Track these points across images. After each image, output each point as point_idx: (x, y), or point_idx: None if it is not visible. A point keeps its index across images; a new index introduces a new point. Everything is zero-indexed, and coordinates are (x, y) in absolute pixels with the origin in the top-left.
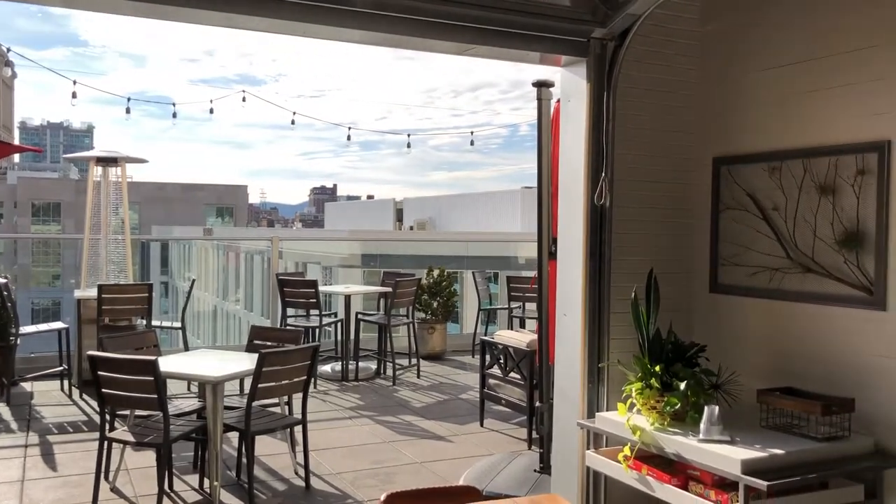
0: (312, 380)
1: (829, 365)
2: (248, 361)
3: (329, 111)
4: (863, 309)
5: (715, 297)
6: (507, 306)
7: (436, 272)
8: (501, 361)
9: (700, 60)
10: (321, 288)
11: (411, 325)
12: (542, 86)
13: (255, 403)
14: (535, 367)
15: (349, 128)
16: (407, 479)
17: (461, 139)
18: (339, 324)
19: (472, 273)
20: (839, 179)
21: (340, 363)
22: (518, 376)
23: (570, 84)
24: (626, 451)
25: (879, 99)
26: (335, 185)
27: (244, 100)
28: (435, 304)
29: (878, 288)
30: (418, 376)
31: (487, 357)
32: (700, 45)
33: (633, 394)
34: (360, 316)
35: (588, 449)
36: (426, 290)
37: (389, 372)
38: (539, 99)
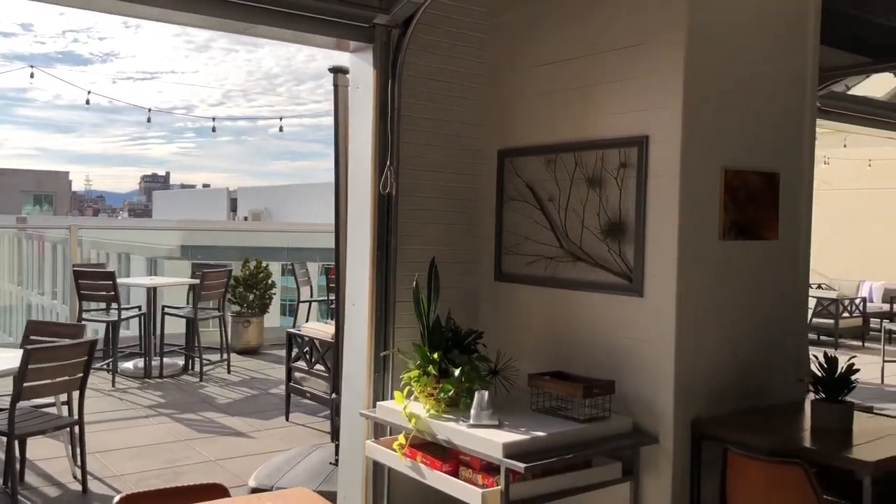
0: (113, 377)
1: (596, 348)
2: (18, 359)
3: (162, 94)
4: (624, 295)
5: (499, 286)
6: (326, 297)
7: (252, 264)
8: (307, 354)
9: (487, 53)
10: (123, 280)
11: (221, 319)
12: (338, 72)
13: (27, 404)
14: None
15: (148, 110)
16: (196, 478)
17: (304, 129)
18: (142, 318)
19: (292, 264)
20: (605, 172)
21: (143, 359)
22: (323, 368)
23: (359, 71)
24: (402, 439)
25: (640, 96)
26: (168, 174)
27: (32, 76)
28: (251, 297)
29: (636, 275)
30: (229, 371)
31: (294, 350)
32: (487, 38)
33: (412, 381)
34: (165, 309)
35: (370, 439)
36: (242, 282)
37: (198, 368)
38: (335, 85)
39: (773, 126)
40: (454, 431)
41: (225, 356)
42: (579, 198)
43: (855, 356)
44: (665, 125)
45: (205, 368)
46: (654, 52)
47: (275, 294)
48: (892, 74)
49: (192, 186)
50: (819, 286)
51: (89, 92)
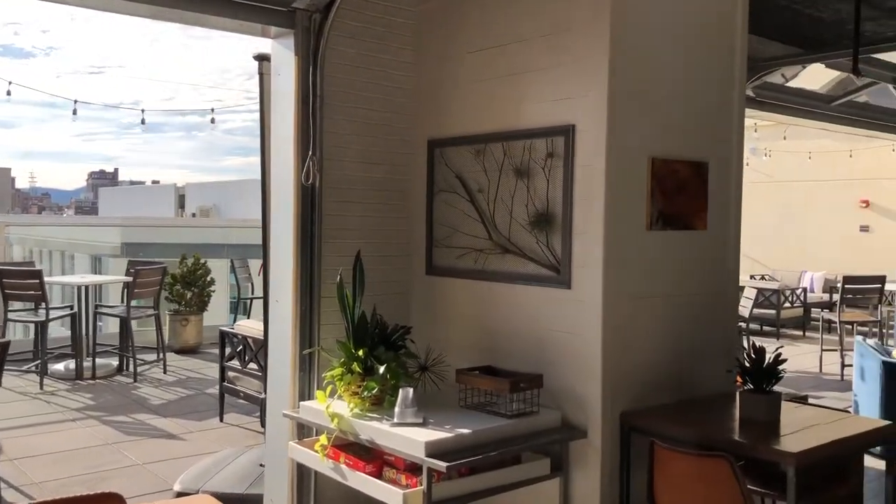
0: (41, 379)
1: (526, 342)
2: None
3: (110, 89)
4: (552, 287)
5: (430, 279)
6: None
7: (190, 261)
8: (241, 352)
9: (416, 40)
10: (52, 279)
11: (156, 317)
12: (263, 59)
13: None
14: None
15: (74, 102)
16: (122, 483)
17: (256, 124)
18: (73, 317)
19: (231, 261)
20: (532, 163)
21: (75, 361)
22: (256, 367)
23: (280, 57)
24: (323, 439)
25: (566, 83)
26: (116, 170)
27: None
28: (189, 295)
29: (563, 267)
30: (165, 371)
31: (228, 348)
32: (416, 24)
33: (335, 380)
34: (98, 308)
35: (294, 440)
36: (179, 279)
37: (132, 368)
38: (261, 74)
39: (701, 115)
40: (377, 431)
41: (161, 356)
42: (508, 189)
43: (781, 347)
44: (591, 114)
45: (140, 369)
46: (579, 38)
47: (214, 291)
48: (835, 67)
49: (142, 183)
50: (762, 277)
51: (10, 83)
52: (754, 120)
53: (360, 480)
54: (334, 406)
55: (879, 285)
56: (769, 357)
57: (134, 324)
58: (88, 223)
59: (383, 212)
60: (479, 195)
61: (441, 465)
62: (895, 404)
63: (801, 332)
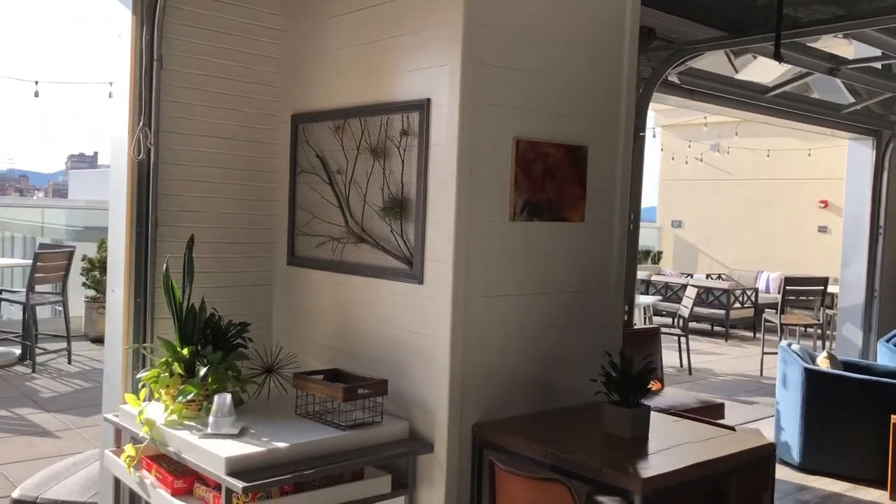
0: None
1: (379, 343)
2: None
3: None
4: (405, 282)
5: (292, 271)
6: None
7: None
8: None
9: (286, 3)
10: None
11: (64, 304)
12: None
13: None
14: None
15: (36, 82)
16: None
17: None
18: None
19: None
20: (388, 141)
21: None
22: None
23: (120, 16)
24: (130, 449)
25: (422, 52)
26: (96, 153)
27: None
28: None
29: (416, 259)
30: (69, 361)
31: None
32: None
33: (149, 382)
34: (1, 293)
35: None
36: (97, 264)
37: (40, 358)
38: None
39: (580, 95)
40: (184, 443)
41: (77, 345)
42: (364, 170)
43: (706, 353)
44: (446, 87)
45: (44, 358)
46: None
47: None
48: (761, 53)
49: None
50: (719, 276)
51: None
52: (704, 114)
53: (162, 499)
54: (150, 411)
55: (822, 287)
56: (638, 365)
57: (48, 310)
58: (38, 205)
59: (240, 194)
60: (337, 177)
61: (238, 485)
62: (816, 414)
63: (751, 334)
